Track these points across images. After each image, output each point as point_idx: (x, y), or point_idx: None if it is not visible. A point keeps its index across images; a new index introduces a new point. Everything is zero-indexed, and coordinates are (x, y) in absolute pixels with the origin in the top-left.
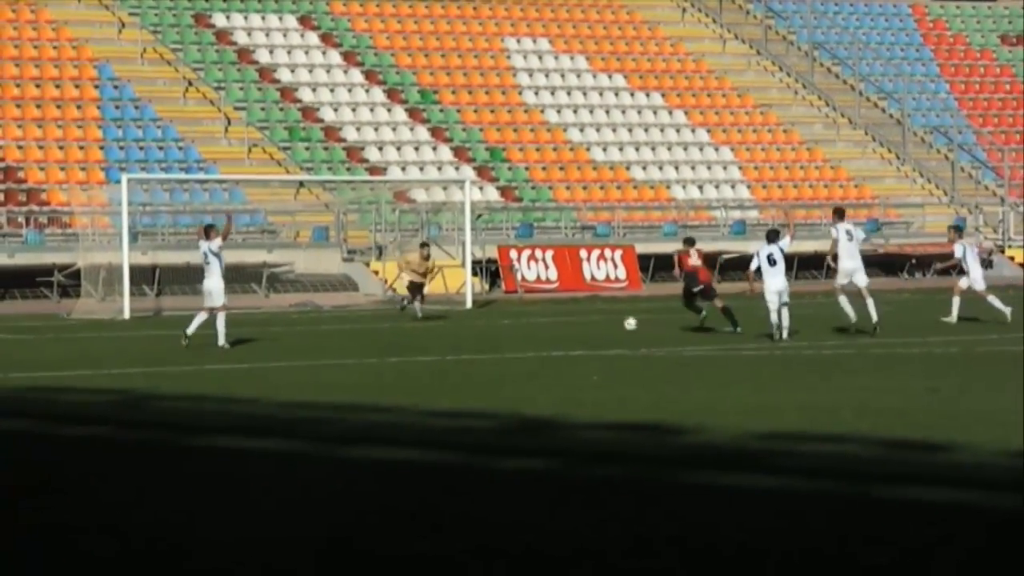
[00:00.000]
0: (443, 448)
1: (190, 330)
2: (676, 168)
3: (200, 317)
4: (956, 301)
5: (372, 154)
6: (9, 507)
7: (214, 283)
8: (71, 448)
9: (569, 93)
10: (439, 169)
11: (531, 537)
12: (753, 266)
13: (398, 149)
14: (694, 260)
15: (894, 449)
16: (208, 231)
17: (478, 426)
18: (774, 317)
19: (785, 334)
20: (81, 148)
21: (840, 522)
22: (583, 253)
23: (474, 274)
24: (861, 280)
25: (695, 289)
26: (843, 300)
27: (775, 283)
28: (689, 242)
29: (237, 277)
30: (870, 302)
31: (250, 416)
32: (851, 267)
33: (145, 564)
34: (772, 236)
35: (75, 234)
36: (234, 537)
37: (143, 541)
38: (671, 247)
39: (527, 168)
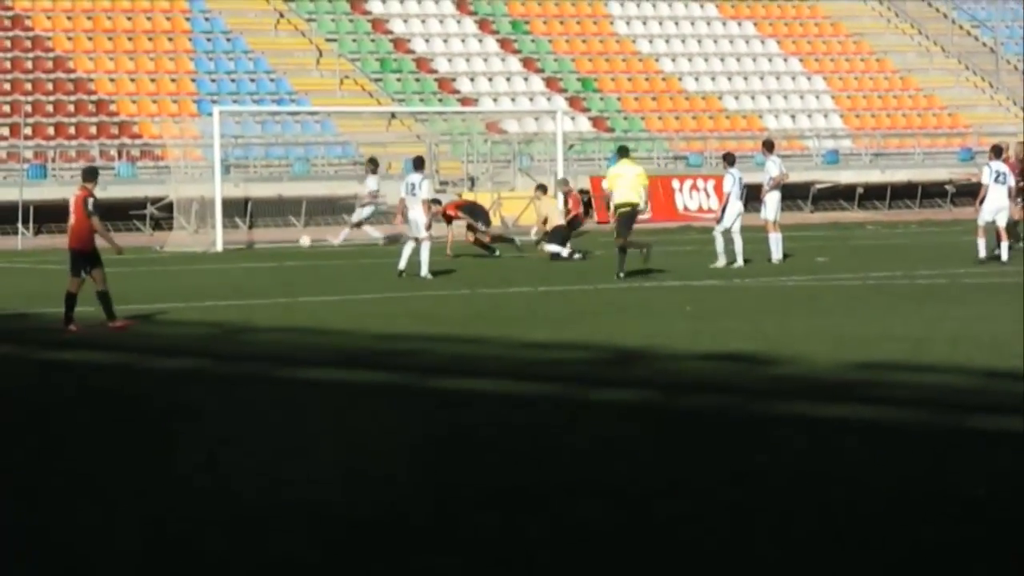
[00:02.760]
0: (537, 380)
1: (402, 264)
2: (768, 98)
3: (408, 248)
4: None
5: (464, 85)
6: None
7: (417, 214)
8: (166, 380)
9: (660, 23)
10: (531, 100)
11: (625, 469)
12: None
13: (490, 80)
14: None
15: (990, 379)
16: (418, 163)
17: (572, 357)
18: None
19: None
20: (173, 81)
21: (937, 453)
22: (675, 183)
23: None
24: (1002, 220)
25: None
26: (981, 240)
27: (998, 201)
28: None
29: (329, 209)
30: (1004, 244)
31: (343, 348)
32: (996, 207)
33: (242, 499)
34: (997, 152)
35: (167, 167)
36: (327, 472)
37: (241, 476)
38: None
39: (619, 98)
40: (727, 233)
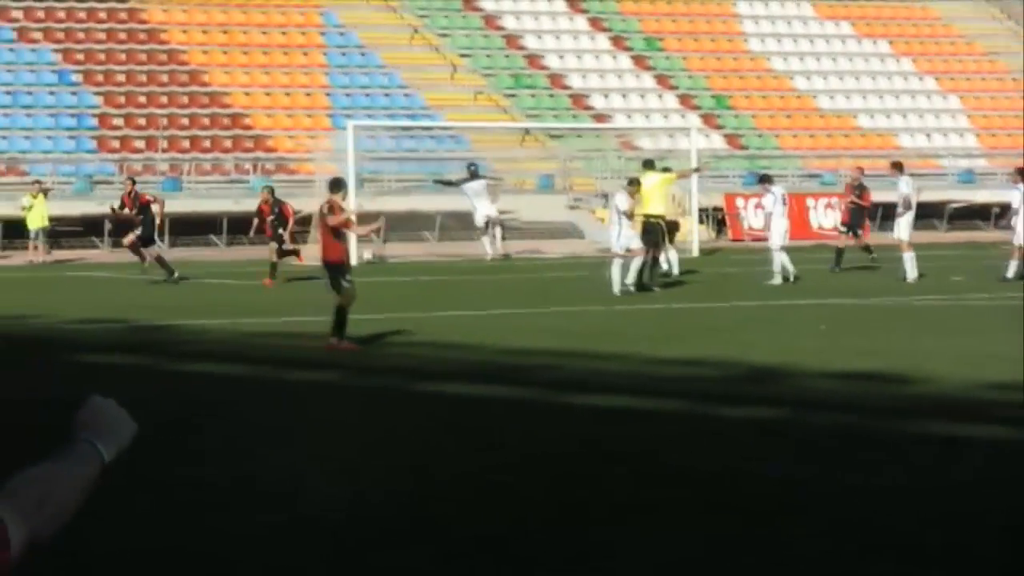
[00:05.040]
0: (667, 396)
1: (629, 279)
2: (903, 116)
3: (633, 262)
4: None
5: (597, 101)
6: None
7: (620, 230)
8: (302, 394)
9: (795, 40)
10: (664, 117)
11: (754, 487)
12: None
13: (623, 96)
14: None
15: None
16: (632, 182)
17: (703, 374)
18: None
19: None
20: (307, 95)
21: None
22: (810, 201)
23: (700, 222)
24: None
25: None
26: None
27: None
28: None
29: (463, 225)
30: None
31: (475, 363)
32: None
33: (380, 511)
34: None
35: (301, 180)
36: (462, 483)
37: (380, 491)
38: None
39: (752, 116)
40: (777, 251)
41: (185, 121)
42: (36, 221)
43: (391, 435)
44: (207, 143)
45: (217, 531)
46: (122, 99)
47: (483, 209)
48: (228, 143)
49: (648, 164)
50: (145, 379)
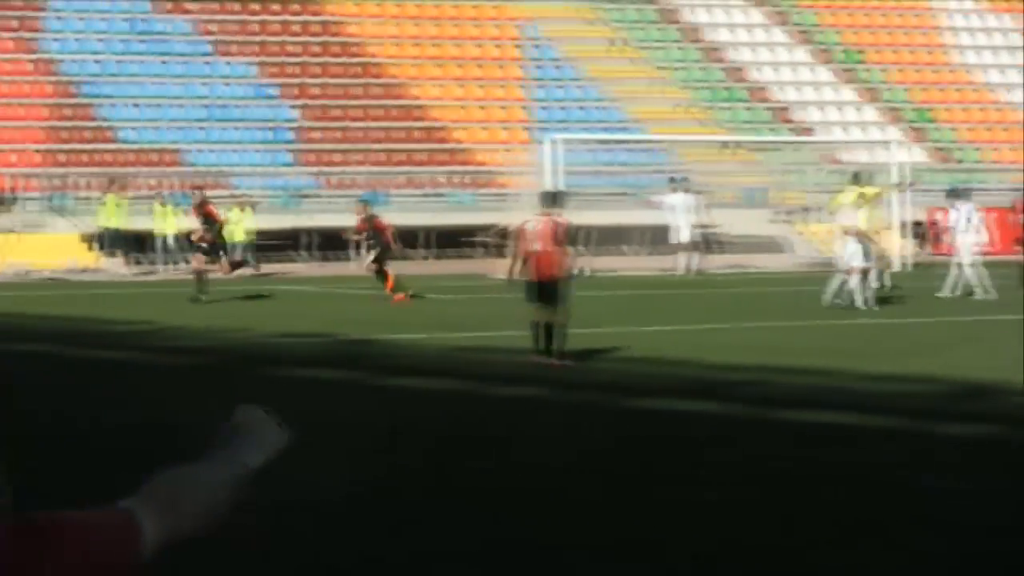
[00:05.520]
0: (880, 413)
1: (859, 300)
2: None
3: (851, 279)
4: None
5: (797, 114)
6: (445, 465)
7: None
8: (503, 408)
9: (994, 53)
10: (862, 130)
11: (969, 505)
12: None
13: (821, 109)
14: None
15: None
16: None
17: (915, 391)
18: None
19: None
20: (503, 108)
21: None
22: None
23: (903, 236)
24: None
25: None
26: None
27: None
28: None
29: (663, 239)
30: None
31: (682, 378)
32: None
33: (583, 525)
34: None
35: (499, 194)
36: (674, 500)
37: (588, 504)
38: None
39: (954, 128)
40: (961, 266)
41: (382, 134)
42: (237, 235)
43: (602, 451)
44: (404, 156)
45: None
46: (319, 112)
47: (683, 224)
48: (425, 156)
49: (856, 178)
50: (350, 394)
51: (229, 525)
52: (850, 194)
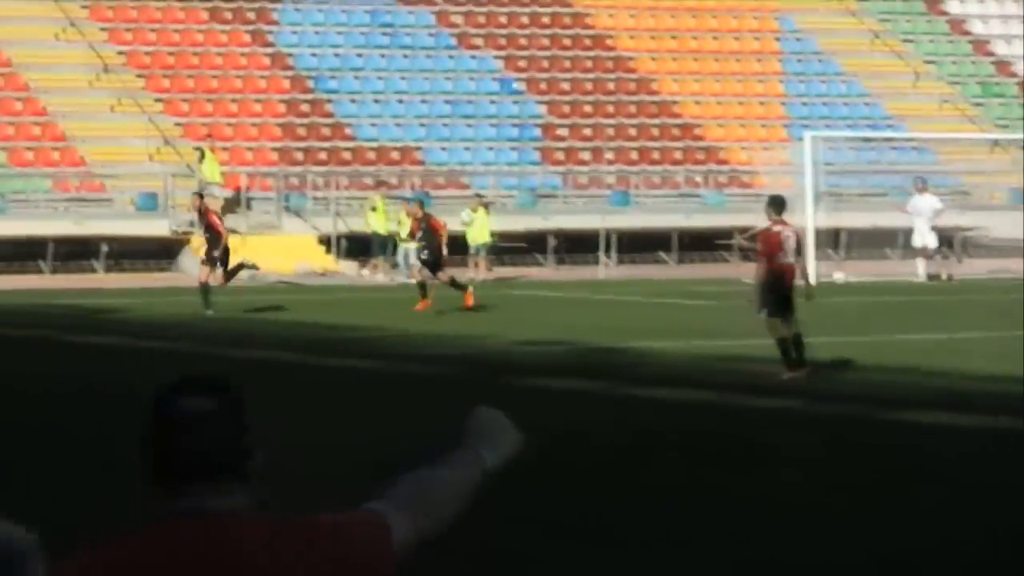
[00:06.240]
0: None
1: None
2: None
3: None
4: None
5: None
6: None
7: None
8: (752, 419)
9: None
10: None
11: None
12: None
13: None
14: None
15: None
16: None
17: None
18: None
19: None
20: (762, 104)
21: None
22: None
23: None
24: None
25: None
26: None
27: None
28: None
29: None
30: None
31: (947, 390)
32: None
33: (842, 546)
34: None
35: (755, 195)
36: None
37: (840, 517)
38: None
39: None
40: None
41: (633, 132)
42: (478, 236)
43: (858, 466)
44: (656, 155)
45: None
46: (567, 108)
47: (924, 227)
48: (678, 155)
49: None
50: (595, 404)
51: None
52: None
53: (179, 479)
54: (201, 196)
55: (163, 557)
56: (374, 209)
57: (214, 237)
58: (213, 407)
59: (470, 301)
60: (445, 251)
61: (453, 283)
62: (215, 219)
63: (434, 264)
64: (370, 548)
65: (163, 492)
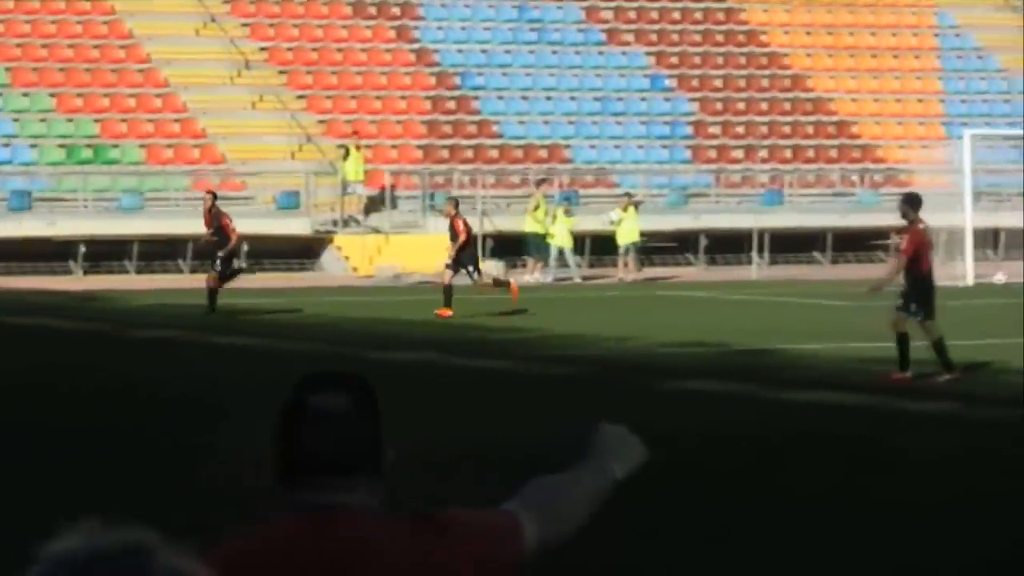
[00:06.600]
0: None
1: None
2: None
3: None
4: None
5: None
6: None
7: None
8: (902, 422)
9: None
10: None
11: None
12: None
13: None
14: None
15: None
16: None
17: None
18: None
19: None
20: (920, 102)
21: None
22: None
23: None
24: None
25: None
26: None
27: None
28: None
29: None
30: None
31: None
32: None
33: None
34: None
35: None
36: None
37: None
38: None
39: None
40: None
41: (787, 129)
42: (627, 236)
43: (996, 471)
44: (811, 153)
45: None
46: (719, 106)
47: None
48: (833, 153)
49: None
50: (742, 408)
51: None
52: None
53: (309, 474)
54: (214, 195)
55: (295, 548)
56: (536, 208)
57: (223, 238)
58: (346, 404)
59: (446, 313)
60: (455, 253)
61: (447, 291)
62: (226, 220)
63: (467, 260)
64: (502, 546)
65: (292, 487)
